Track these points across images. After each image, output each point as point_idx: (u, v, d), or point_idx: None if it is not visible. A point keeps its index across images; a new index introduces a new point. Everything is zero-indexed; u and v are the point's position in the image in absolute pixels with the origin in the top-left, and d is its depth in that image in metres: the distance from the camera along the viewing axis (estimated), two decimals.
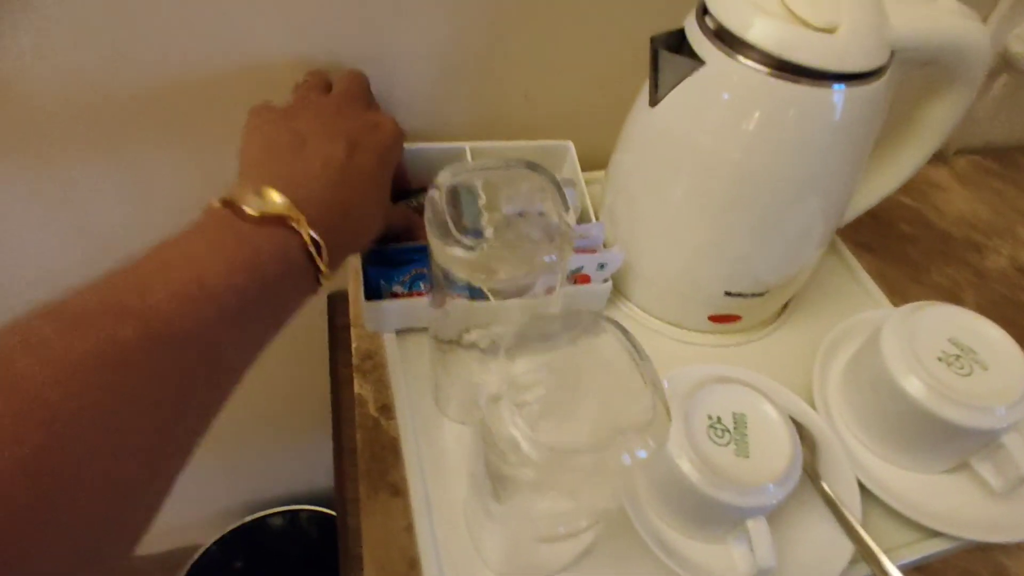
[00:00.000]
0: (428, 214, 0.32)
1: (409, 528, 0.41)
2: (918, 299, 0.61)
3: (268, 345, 0.34)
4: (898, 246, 0.66)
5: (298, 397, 0.88)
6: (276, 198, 0.33)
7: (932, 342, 0.42)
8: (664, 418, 0.27)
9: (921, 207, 0.71)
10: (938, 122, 0.46)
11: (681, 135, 0.42)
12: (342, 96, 0.44)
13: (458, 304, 0.35)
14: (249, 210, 0.32)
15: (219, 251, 0.30)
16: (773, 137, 0.40)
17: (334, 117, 0.41)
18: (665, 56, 0.40)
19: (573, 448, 0.25)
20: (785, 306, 0.54)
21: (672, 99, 0.41)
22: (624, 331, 0.30)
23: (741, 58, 0.38)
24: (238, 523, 1.04)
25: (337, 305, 0.69)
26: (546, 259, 0.33)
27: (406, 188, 0.50)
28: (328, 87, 0.45)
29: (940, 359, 0.42)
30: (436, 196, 0.32)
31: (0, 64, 0.45)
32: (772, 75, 0.38)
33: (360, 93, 0.46)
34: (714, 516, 0.38)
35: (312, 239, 0.33)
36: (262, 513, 1.05)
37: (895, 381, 0.41)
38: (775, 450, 0.37)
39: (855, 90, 0.38)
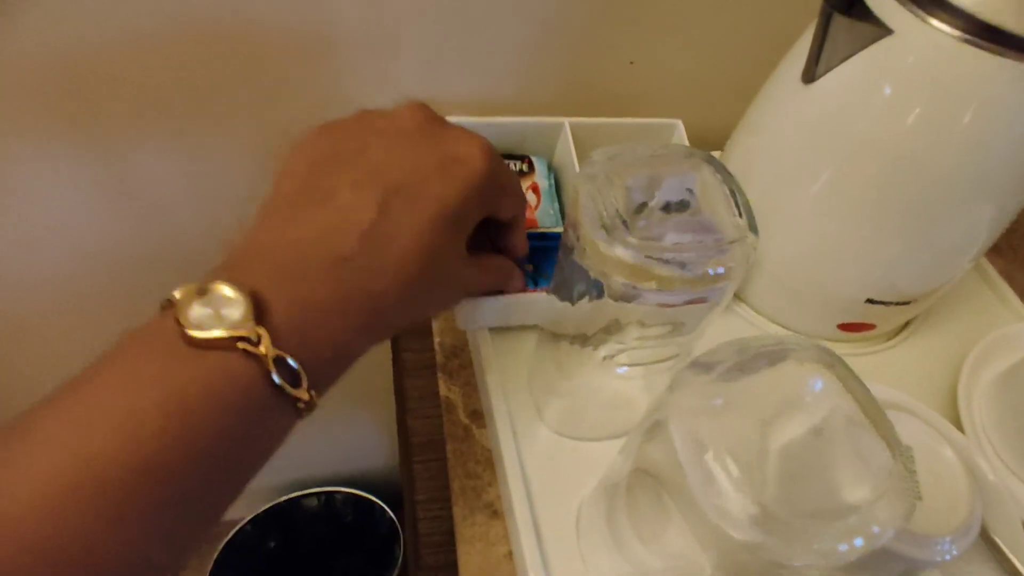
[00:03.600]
0: (583, 204, 0.27)
1: (510, 556, 0.37)
2: None
3: (222, 515, 0.23)
4: None
5: (342, 381, 0.84)
6: (227, 294, 0.21)
7: None
8: (904, 490, 0.21)
9: None
10: None
11: (842, 116, 0.36)
12: (420, 108, 0.28)
13: (600, 303, 0.29)
14: (188, 328, 0.20)
15: (119, 411, 0.19)
16: (958, 123, 0.34)
17: (406, 140, 0.26)
18: (842, 22, 0.33)
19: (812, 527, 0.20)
20: None
21: (838, 74, 0.35)
22: (837, 360, 0.24)
23: (935, 22, 0.32)
24: (273, 502, 1.01)
25: None
26: (711, 272, 0.27)
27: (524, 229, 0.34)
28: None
29: None
30: (593, 184, 0.26)
31: (56, 28, 0.40)
32: (973, 44, 0.32)
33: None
34: (877, 564, 0.33)
35: (281, 361, 0.21)
36: (297, 493, 1.02)
37: None
38: (951, 494, 0.32)
39: None
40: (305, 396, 0.22)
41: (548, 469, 0.37)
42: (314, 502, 1.04)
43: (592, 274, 0.27)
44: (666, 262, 0.26)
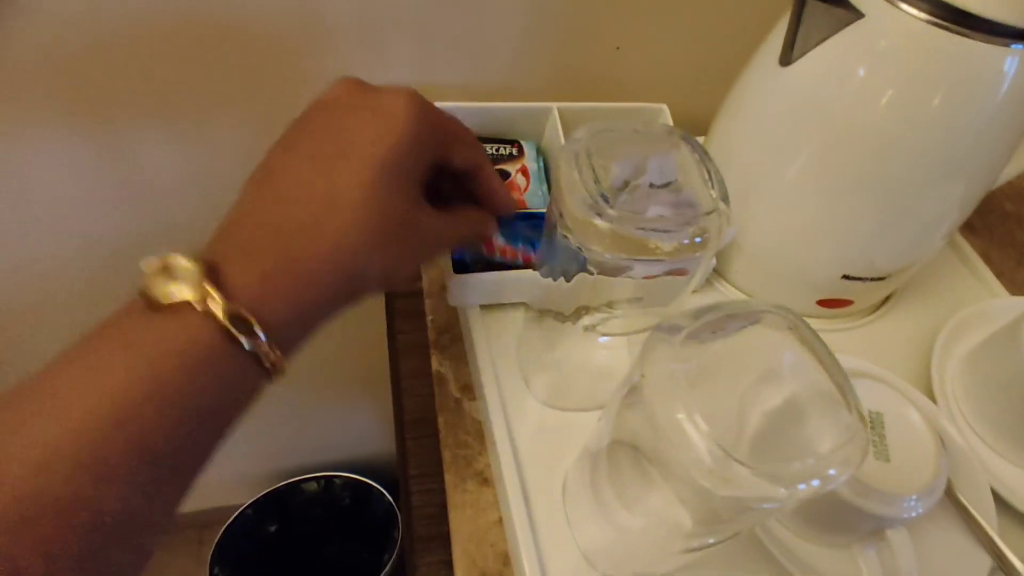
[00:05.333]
0: (565, 177, 0.28)
1: (500, 522, 0.38)
2: None
3: (203, 469, 0.24)
4: (1002, 226, 0.61)
5: (340, 365, 0.85)
6: (183, 264, 0.23)
7: None
8: (861, 436, 0.23)
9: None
10: None
11: (817, 99, 0.38)
12: (348, 80, 0.29)
13: (584, 279, 0.31)
14: (150, 296, 0.22)
15: (95, 378, 0.21)
16: (930, 104, 0.35)
17: (340, 110, 0.28)
18: (815, 7, 0.35)
19: (759, 472, 0.22)
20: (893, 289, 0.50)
21: (812, 57, 0.37)
22: (801, 322, 0.26)
23: (905, 6, 0.33)
24: (273, 487, 1.03)
25: None
26: (685, 242, 0.29)
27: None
28: None
29: None
30: (575, 159, 0.28)
31: (57, 16, 0.41)
32: (940, 27, 0.33)
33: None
34: (848, 523, 0.35)
35: (233, 319, 0.22)
36: (297, 478, 1.04)
37: None
38: (918, 456, 0.34)
39: None
40: (269, 353, 0.23)
41: (535, 438, 0.39)
42: (313, 486, 1.06)
43: (573, 245, 0.29)
44: (643, 231, 0.27)
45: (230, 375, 0.23)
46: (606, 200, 0.28)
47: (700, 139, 0.50)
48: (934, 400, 0.42)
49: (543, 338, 0.37)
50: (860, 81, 0.36)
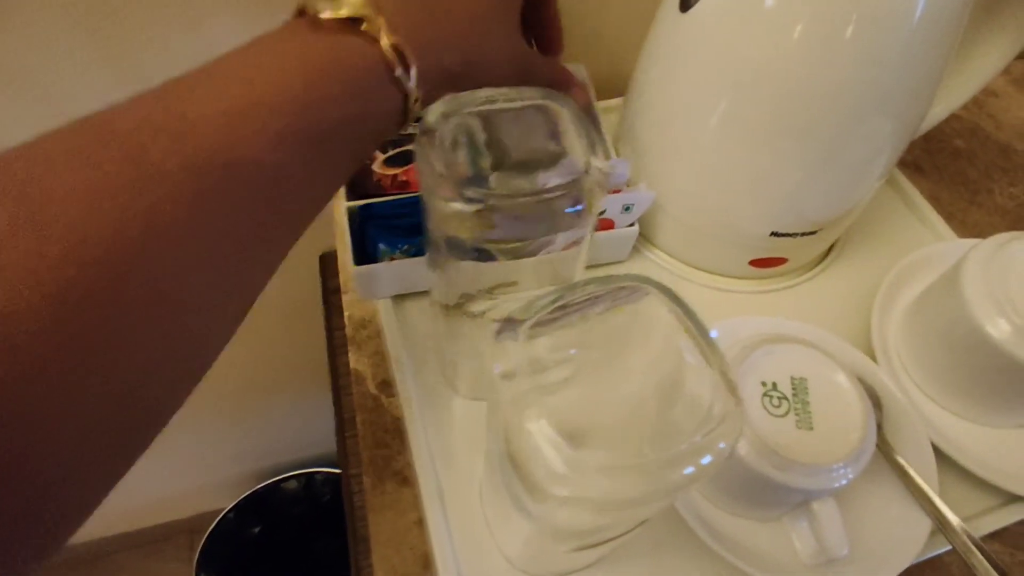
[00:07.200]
0: (419, 162, 0.26)
1: (420, 522, 0.37)
2: (979, 224, 0.55)
3: (339, 184, 0.26)
4: (952, 164, 0.58)
5: (301, 360, 0.83)
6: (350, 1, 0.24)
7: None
8: (735, 412, 0.21)
9: (976, 119, 0.63)
10: None
11: (721, 45, 0.35)
12: None
13: (461, 267, 0.28)
14: (320, 13, 0.23)
15: (275, 64, 0.22)
16: (841, 35, 0.32)
17: None
18: None
19: (623, 468, 0.20)
20: (833, 243, 0.47)
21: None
22: (673, 296, 0.23)
23: None
24: (253, 488, 1.02)
25: (328, 265, 0.63)
26: (568, 211, 0.26)
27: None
28: None
29: None
30: (426, 139, 0.25)
31: None
32: None
33: None
34: (772, 498, 0.33)
35: (394, 49, 0.24)
36: (277, 478, 1.03)
37: (980, 326, 0.35)
38: (845, 421, 0.32)
39: None
40: (415, 91, 0.25)
41: (455, 433, 0.37)
42: (294, 484, 1.05)
43: (438, 233, 0.26)
44: (508, 207, 0.25)
45: (378, 99, 0.24)
46: (478, 182, 0.25)
47: (620, 100, 0.47)
48: (874, 357, 0.40)
49: (447, 329, 0.35)
50: (767, 16, 0.33)
